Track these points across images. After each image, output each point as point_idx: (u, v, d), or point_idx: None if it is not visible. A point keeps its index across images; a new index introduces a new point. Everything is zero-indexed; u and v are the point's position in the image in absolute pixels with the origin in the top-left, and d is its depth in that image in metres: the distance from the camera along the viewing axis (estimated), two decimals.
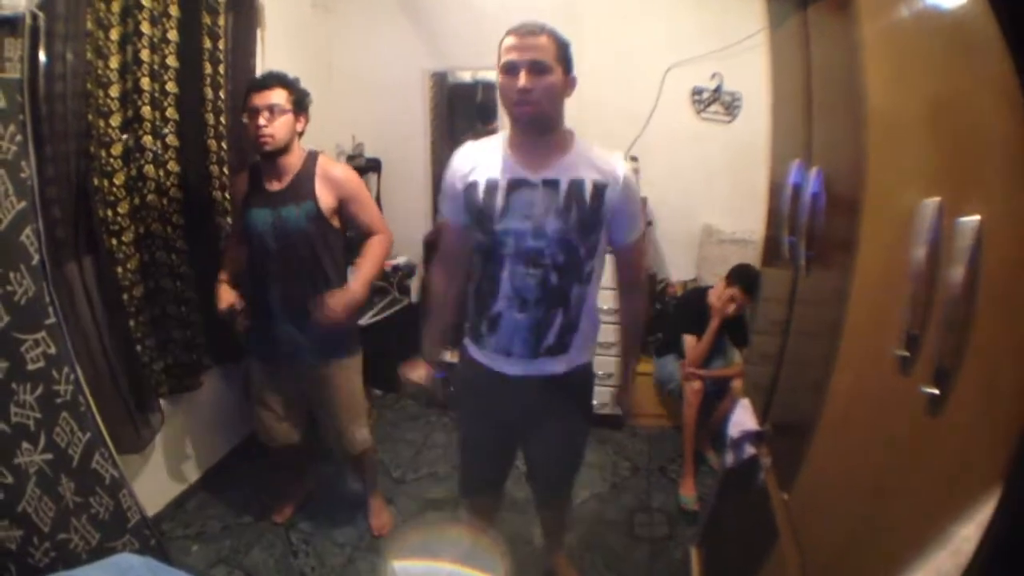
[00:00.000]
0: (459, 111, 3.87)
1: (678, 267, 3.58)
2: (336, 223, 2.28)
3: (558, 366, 1.79)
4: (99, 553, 1.78)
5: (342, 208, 2.25)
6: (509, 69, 1.58)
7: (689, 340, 3.04)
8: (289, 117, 2.17)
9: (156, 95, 2.33)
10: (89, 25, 2.07)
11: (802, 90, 2.14)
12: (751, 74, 2.82)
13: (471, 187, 1.71)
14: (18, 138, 1.64)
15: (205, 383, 2.74)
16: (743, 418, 2.37)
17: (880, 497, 1.20)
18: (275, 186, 2.22)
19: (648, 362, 3.37)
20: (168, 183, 2.44)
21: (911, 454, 1.09)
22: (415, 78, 3.63)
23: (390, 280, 3.53)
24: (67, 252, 2.12)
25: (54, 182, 2.04)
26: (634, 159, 3.32)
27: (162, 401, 2.51)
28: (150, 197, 2.36)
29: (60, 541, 1.71)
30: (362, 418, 2.49)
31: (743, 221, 3.08)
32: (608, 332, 3.17)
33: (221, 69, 2.60)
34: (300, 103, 2.22)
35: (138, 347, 2.38)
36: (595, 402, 3.21)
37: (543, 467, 2.08)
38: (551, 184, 1.65)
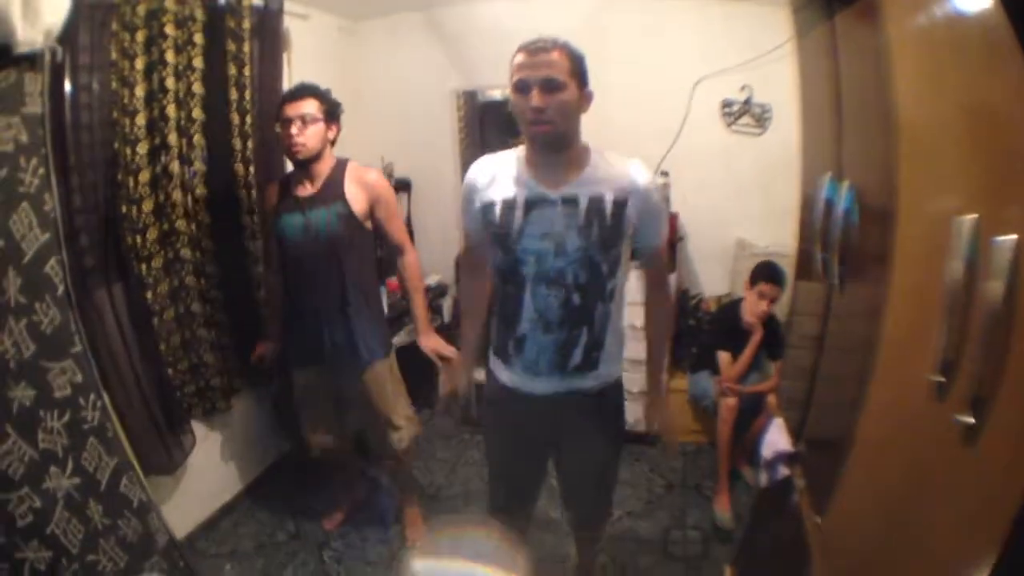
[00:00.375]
0: (490, 128, 3.87)
1: (711, 282, 3.50)
2: (368, 225, 2.31)
3: (587, 382, 1.74)
4: (127, 575, 1.81)
5: (372, 212, 2.29)
6: (521, 88, 1.54)
7: (724, 357, 2.96)
8: (321, 126, 2.23)
9: (182, 122, 2.37)
10: (114, 55, 2.12)
11: (831, 100, 2.08)
12: (781, 85, 2.74)
13: (488, 207, 1.67)
14: (40, 171, 1.66)
15: (237, 404, 2.77)
16: (777, 438, 2.30)
17: (908, 528, 1.14)
18: (305, 191, 2.27)
19: (682, 378, 3.31)
20: (196, 208, 2.48)
21: (942, 488, 1.04)
22: (443, 98, 3.65)
23: None
24: (96, 279, 2.18)
25: (81, 211, 2.10)
26: (664, 174, 3.28)
27: (195, 423, 2.54)
28: (178, 223, 2.40)
29: (89, 563, 1.72)
30: (408, 414, 2.51)
31: (776, 234, 2.98)
32: (642, 349, 3.12)
33: (247, 95, 2.63)
34: (331, 112, 2.28)
35: (169, 371, 2.42)
36: (630, 419, 3.21)
37: (578, 487, 2.01)
38: (570, 201, 1.60)
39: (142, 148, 2.24)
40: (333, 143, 2.30)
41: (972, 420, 0.93)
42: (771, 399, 2.82)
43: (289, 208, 2.27)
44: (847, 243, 1.72)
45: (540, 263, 1.63)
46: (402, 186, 3.74)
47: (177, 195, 2.38)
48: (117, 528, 1.82)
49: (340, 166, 2.29)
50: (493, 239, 1.68)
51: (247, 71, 2.62)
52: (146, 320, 2.32)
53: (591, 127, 3.21)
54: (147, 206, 2.28)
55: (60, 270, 1.73)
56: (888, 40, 1.43)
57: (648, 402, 2.04)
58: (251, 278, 2.76)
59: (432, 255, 3.55)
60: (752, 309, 2.91)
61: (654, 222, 1.69)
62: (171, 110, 2.31)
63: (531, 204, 1.62)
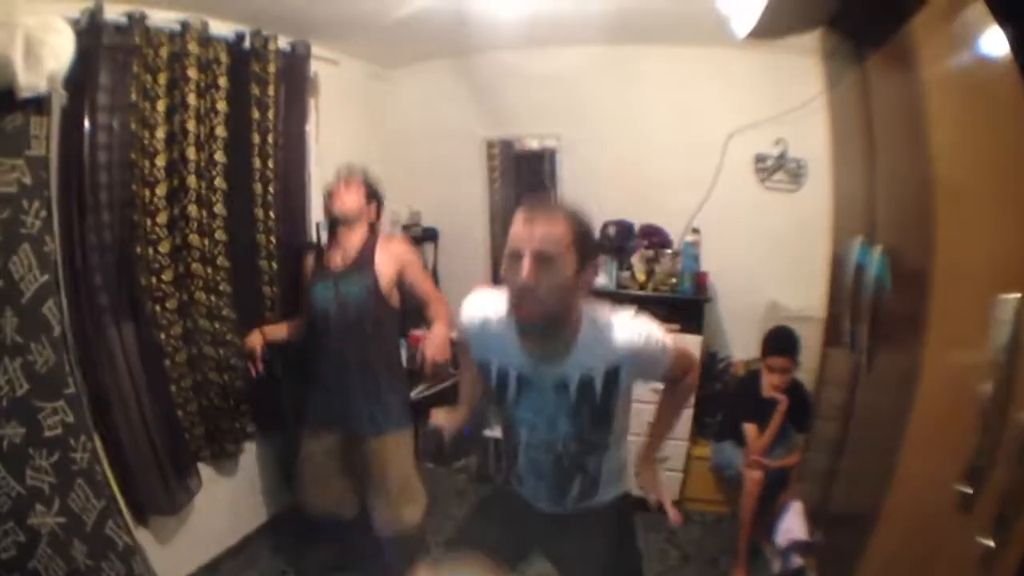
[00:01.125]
0: (524, 179, 3.81)
1: (741, 345, 3.34)
2: (393, 301, 2.36)
3: (591, 504, 1.66)
4: None
5: (400, 278, 2.33)
6: (512, 257, 1.39)
7: (750, 429, 2.81)
8: (362, 197, 2.34)
9: (201, 165, 2.39)
10: (134, 97, 2.15)
11: (864, 154, 1.98)
12: (817, 139, 2.61)
13: (484, 365, 1.61)
14: (43, 213, 1.70)
15: (247, 450, 2.75)
16: (793, 525, 2.15)
17: None
18: (337, 263, 2.33)
19: (705, 446, 3.17)
20: (215, 251, 2.50)
21: None
22: (474, 146, 3.63)
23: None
24: (108, 318, 2.19)
25: (96, 250, 2.13)
26: (695, 231, 3.20)
27: (203, 465, 2.53)
28: (194, 266, 2.41)
29: None
30: (413, 495, 2.45)
31: (811, 296, 2.73)
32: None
33: (270, 138, 2.66)
34: (373, 194, 2.39)
35: (179, 412, 2.41)
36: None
37: None
38: (561, 387, 1.50)
39: (161, 190, 2.26)
40: (371, 226, 2.38)
41: (992, 544, 0.87)
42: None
43: (322, 279, 2.34)
44: (878, 310, 1.62)
45: (532, 433, 1.58)
46: (429, 235, 3.73)
47: (194, 238, 2.40)
48: (100, 570, 1.84)
49: (372, 238, 2.35)
50: (490, 394, 1.66)
51: (271, 115, 2.65)
52: (157, 360, 2.32)
53: (626, 179, 3.22)
54: (164, 247, 2.30)
55: (57, 312, 1.77)
56: (922, 86, 1.34)
57: (640, 467, 1.83)
58: (266, 323, 2.73)
59: (459, 305, 3.41)
60: (766, 383, 2.79)
61: (654, 364, 1.56)
62: (191, 152, 2.34)
63: (522, 384, 1.54)
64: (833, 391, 2.29)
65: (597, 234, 3.22)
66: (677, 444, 3.09)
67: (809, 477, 2.50)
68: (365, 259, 2.30)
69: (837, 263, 2.45)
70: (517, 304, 1.40)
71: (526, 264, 1.35)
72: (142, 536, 2.33)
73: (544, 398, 1.52)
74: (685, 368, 1.70)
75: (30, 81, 1.55)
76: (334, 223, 2.34)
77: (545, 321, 1.41)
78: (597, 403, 1.51)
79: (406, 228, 3.64)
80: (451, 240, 3.79)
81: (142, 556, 1.93)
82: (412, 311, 2.48)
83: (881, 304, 1.61)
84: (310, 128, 2.92)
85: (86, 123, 2.02)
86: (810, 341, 2.72)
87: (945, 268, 1.23)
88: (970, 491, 0.95)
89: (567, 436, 1.55)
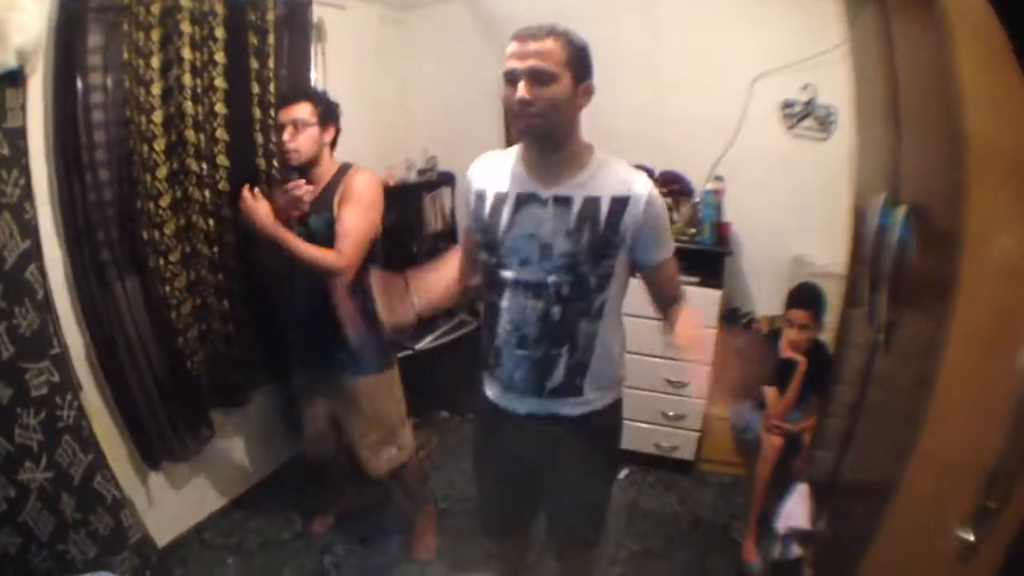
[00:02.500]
0: None
1: (765, 300, 3.20)
2: None
3: (569, 408, 1.61)
4: (95, 564, 1.88)
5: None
6: (509, 78, 1.43)
7: (770, 392, 2.71)
8: (314, 130, 2.16)
9: (200, 118, 2.36)
10: (126, 55, 2.12)
11: (887, 99, 1.81)
12: (849, 86, 2.43)
13: (479, 198, 1.59)
14: (21, 181, 1.72)
15: (256, 399, 2.78)
16: (796, 510, 2.06)
17: None
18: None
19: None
20: (219, 202, 2.48)
21: None
22: (490, 91, 3.47)
23: (459, 302, 3.39)
24: (112, 273, 2.22)
25: (97, 207, 2.14)
26: (718, 178, 3.03)
27: (213, 414, 2.58)
28: (195, 218, 2.40)
29: (58, 551, 1.81)
30: (392, 436, 2.40)
31: (837, 252, 2.57)
32: (681, 372, 2.92)
33: (271, 88, 2.60)
34: (327, 115, 2.20)
35: (187, 363, 2.46)
36: (665, 444, 3.03)
37: (558, 517, 1.86)
38: (562, 201, 1.49)
39: (159, 145, 2.24)
40: (333, 145, 2.24)
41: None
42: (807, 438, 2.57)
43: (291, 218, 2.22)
44: (901, 275, 1.49)
45: (523, 267, 1.51)
46: (445, 179, 3.67)
47: (194, 191, 2.39)
48: (88, 522, 1.90)
49: (341, 172, 2.22)
50: (480, 237, 1.59)
51: (271, 63, 2.58)
52: (162, 312, 2.34)
53: (646, 123, 2.99)
54: (164, 201, 2.29)
55: (40, 275, 1.80)
56: (947, 28, 1.20)
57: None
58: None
59: None
60: (785, 338, 2.65)
61: (658, 233, 1.54)
62: (188, 107, 2.29)
63: (521, 201, 1.52)
64: (854, 354, 2.17)
65: None
66: (694, 402, 3.01)
67: (826, 443, 2.40)
68: (327, 195, 2.19)
69: (859, 218, 2.30)
70: (517, 116, 1.44)
71: (522, 84, 1.40)
72: (155, 482, 2.46)
73: (543, 213, 1.50)
74: (672, 284, 1.65)
75: None
76: (300, 170, 2.20)
77: (545, 132, 1.46)
78: (600, 227, 1.49)
79: (422, 172, 3.58)
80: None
81: (131, 509, 1.99)
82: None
83: (904, 268, 1.48)
84: (315, 75, 2.85)
85: (78, 84, 2.00)
86: (834, 299, 2.58)
87: (977, 229, 1.12)
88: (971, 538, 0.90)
89: (562, 264, 1.49)
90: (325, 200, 2.18)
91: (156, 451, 2.40)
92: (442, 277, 1.80)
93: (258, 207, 2.08)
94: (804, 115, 2.96)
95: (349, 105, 2.98)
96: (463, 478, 3.08)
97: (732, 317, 3.17)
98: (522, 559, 2.18)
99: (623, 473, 3.11)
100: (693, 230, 3.00)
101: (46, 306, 1.80)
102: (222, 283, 2.55)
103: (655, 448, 3.12)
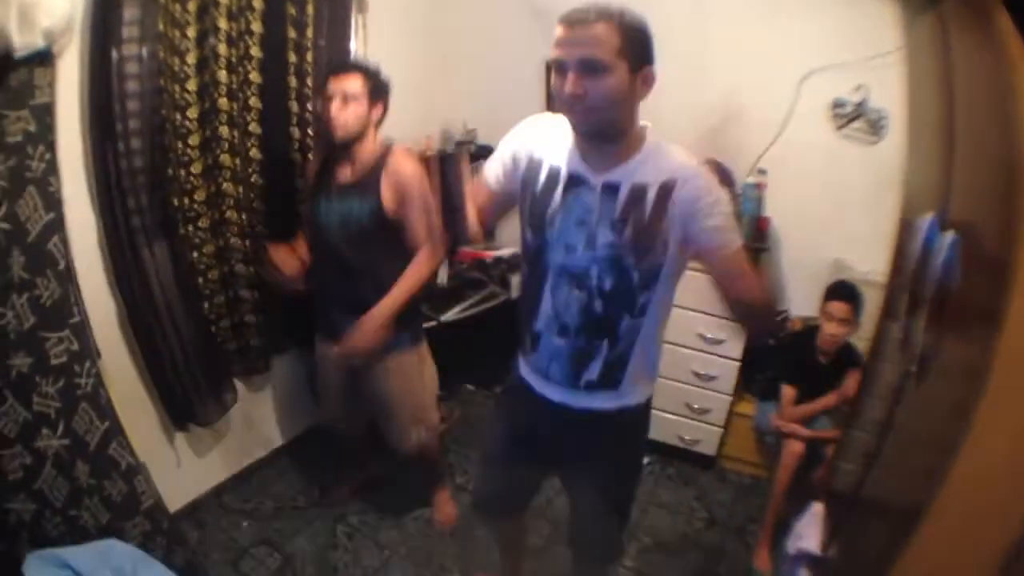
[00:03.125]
0: None
1: (800, 301, 3.07)
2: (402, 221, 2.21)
3: (605, 403, 1.56)
4: (108, 530, 1.93)
5: (398, 208, 2.15)
6: (558, 68, 1.32)
7: (787, 393, 2.65)
8: (363, 105, 2.11)
9: (234, 87, 2.34)
10: (162, 26, 2.11)
11: (941, 112, 1.72)
12: (902, 91, 2.28)
13: (532, 165, 1.50)
14: (47, 156, 1.74)
15: (280, 366, 2.82)
16: (808, 531, 2.00)
17: None
18: (346, 177, 2.20)
19: (750, 403, 3.01)
20: (249, 170, 2.49)
21: None
22: (533, 67, 3.37)
23: (490, 273, 3.36)
24: (141, 239, 2.24)
25: (128, 174, 2.16)
26: (762, 172, 2.92)
27: (237, 380, 2.63)
28: (225, 185, 2.41)
29: (71, 517, 1.86)
30: (419, 416, 2.42)
31: (880, 261, 2.45)
32: (710, 364, 2.91)
33: (309, 56, 2.58)
34: (377, 91, 2.16)
35: (212, 328, 2.50)
36: (688, 437, 2.99)
37: (583, 518, 1.84)
38: (610, 189, 1.40)
39: (192, 113, 2.24)
40: (379, 124, 2.20)
41: None
42: (831, 450, 2.49)
43: (327, 193, 2.22)
44: (943, 299, 1.44)
45: (568, 254, 1.45)
46: (483, 153, 3.54)
47: (225, 158, 2.38)
48: (102, 488, 1.95)
49: (384, 153, 2.18)
50: (527, 213, 1.51)
51: (309, 32, 2.56)
52: (190, 279, 2.37)
53: (690, 110, 2.88)
54: (196, 168, 2.29)
55: (63, 246, 1.83)
56: (1007, 45, 1.15)
57: None
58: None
59: (507, 225, 3.33)
60: (823, 332, 2.57)
61: (710, 218, 1.36)
62: (223, 76, 2.29)
63: (572, 183, 1.43)
64: (887, 369, 2.09)
65: None
66: (719, 397, 2.96)
67: (851, 456, 2.34)
68: (372, 180, 2.15)
69: (904, 231, 2.20)
70: (567, 114, 1.36)
71: (571, 76, 1.28)
72: (179, 446, 2.52)
73: (592, 199, 1.41)
74: (750, 278, 1.43)
75: (26, 41, 1.58)
76: (342, 145, 2.16)
77: (599, 127, 1.36)
78: (646, 216, 1.38)
79: (460, 144, 3.52)
80: None
81: (145, 475, 2.04)
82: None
83: (947, 293, 1.43)
84: (355, 45, 2.80)
85: (113, 55, 2.00)
86: (873, 308, 2.48)
87: None
88: None
89: (605, 256, 1.42)
90: (371, 185, 2.15)
91: (182, 414, 2.46)
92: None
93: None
94: (855, 116, 2.81)
95: (390, 73, 2.94)
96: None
97: None
98: (521, 541, 2.19)
99: (644, 461, 3.07)
100: None
101: (67, 276, 1.83)
102: (250, 249, 2.56)
103: (678, 440, 3.08)
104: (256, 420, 2.88)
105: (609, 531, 1.84)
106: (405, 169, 2.14)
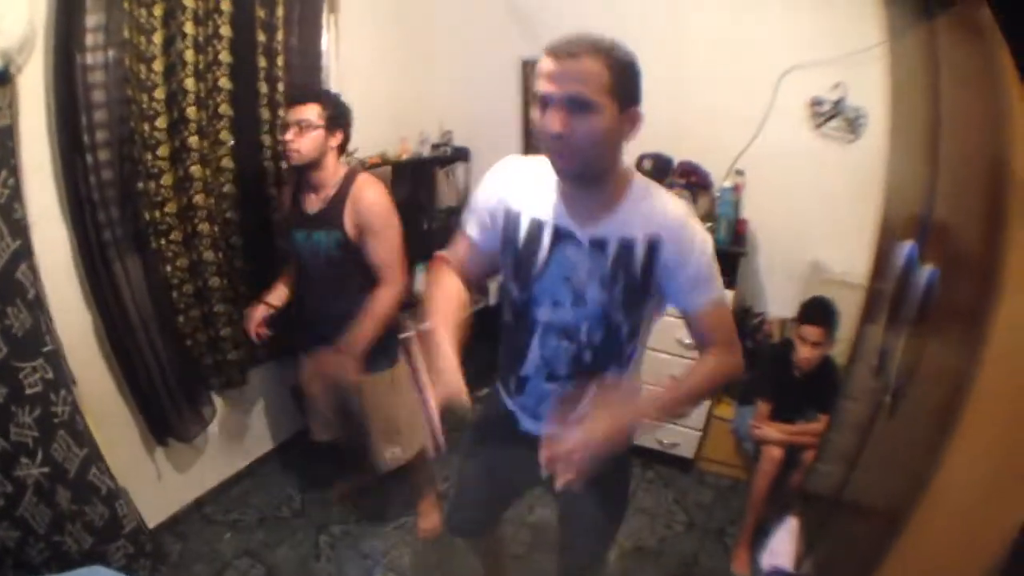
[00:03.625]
0: None
1: (777, 302, 3.11)
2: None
3: None
4: (91, 555, 1.93)
5: (360, 237, 2.15)
6: (541, 103, 1.23)
7: (762, 408, 2.68)
8: (319, 133, 2.11)
9: (202, 95, 2.28)
10: (127, 33, 2.04)
11: (926, 122, 1.73)
12: (882, 89, 2.26)
13: (511, 218, 1.43)
14: (11, 181, 1.69)
15: (258, 377, 2.79)
16: (781, 547, 2.04)
17: None
18: (311, 206, 2.22)
19: (728, 406, 3.03)
20: (221, 180, 2.44)
21: None
22: (509, 66, 3.36)
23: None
24: (113, 252, 2.18)
25: (97, 188, 2.10)
26: (739, 173, 2.93)
27: (214, 394, 2.59)
28: (196, 197, 2.34)
29: (54, 543, 1.86)
30: (392, 436, 2.41)
31: (857, 260, 2.53)
32: (684, 368, 2.88)
33: (279, 61, 2.51)
34: (335, 119, 2.14)
35: (188, 342, 2.44)
36: (667, 441, 3.01)
37: (569, 537, 1.82)
38: (598, 245, 1.34)
39: (161, 123, 2.17)
40: (342, 151, 2.20)
41: None
42: (808, 455, 2.53)
43: (297, 223, 2.24)
44: (925, 311, 1.47)
45: (556, 308, 1.41)
46: (460, 155, 3.58)
47: (196, 169, 2.31)
48: (84, 513, 1.94)
49: (347, 181, 2.18)
50: (510, 268, 1.45)
51: (279, 36, 2.49)
52: (164, 293, 2.32)
53: (667, 110, 2.80)
54: (166, 180, 2.22)
55: (31, 274, 1.78)
56: (1004, 67, 1.14)
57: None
58: (274, 250, 2.69)
59: None
60: (797, 353, 2.59)
61: (699, 271, 1.33)
62: (190, 83, 2.21)
63: (557, 237, 1.37)
64: (866, 371, 2.12)
65: (634, 164, 3.01)
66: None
67: (830, 458, 2.38)
68: (335, 210, 2.16)
69: (885, 234, 2.23)
70: (548, 154, 1.28)
71: (555, 113, 1.20)
72: (159, 460, 2.49)
73: (578, 256, 1.36)
74: (723, 334, 1.40)
75: None
76: (301, 171, 2.18)
77: (583, 170, 1.28)
78: (635, 275, 1.34)
79: (436, 147, 3.48)
80: (483, 161, 3.57)
81: (126, 499, 2.03)
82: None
83: (926, 320, 1.46)
84: (326, 47, 2.74)
85: (78, 63, 1.93)
86: (850, 307, 2.51)
87: (1016, 271, 1.10)
88: None
89: (595, 313, 1.38)
90: (333, 216, 2.15)
91: (162, 429, 2.42)
92: (455, 296, 1.51)
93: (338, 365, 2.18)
94: (832, 115, 2.81)
95: (363, 76, 2.88)
96: None
97: (744, 317, 3.09)
98: (500, 551, 2.20)
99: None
100: (709, 224, 2.88)
101: (38, 304, 1.79)
102: (223, 262, 2.50)
103: (657, 444, 3.10)
104: (236, 431, 2.85)
105: (593, 552, 1.84)
106: (365, 198, 2.15)
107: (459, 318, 1.44)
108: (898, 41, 1.92)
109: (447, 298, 1.46)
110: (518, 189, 1.44)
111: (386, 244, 2.16)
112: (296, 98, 2.17)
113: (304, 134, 2.09)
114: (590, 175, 1.30)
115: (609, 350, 1.43)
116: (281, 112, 2.56)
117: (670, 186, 2.94)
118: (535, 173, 1.41)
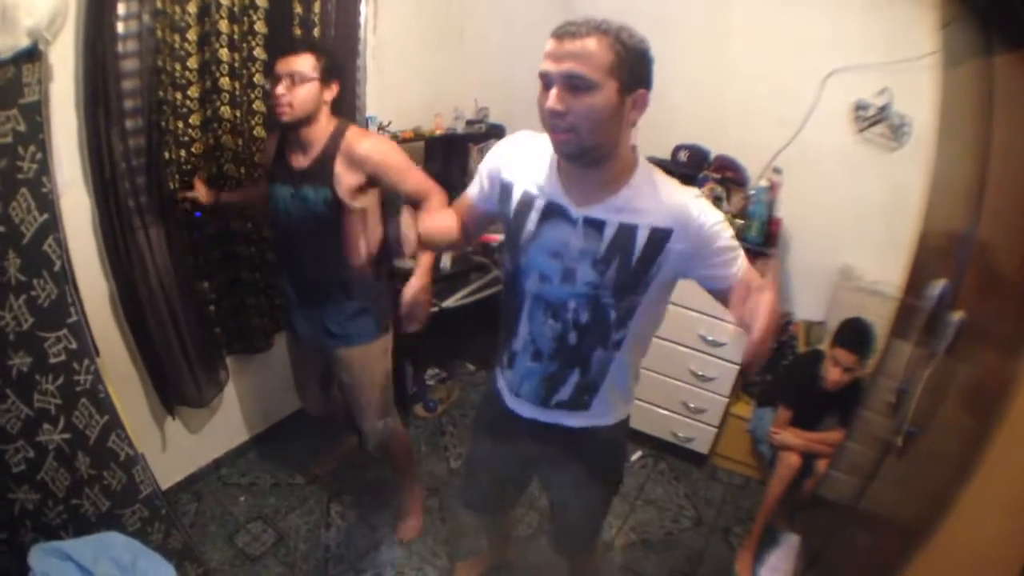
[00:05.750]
0: None
1: (805, 305, 3.05)
2: (358, 203, 1.90)
3: (576, 421, 1.56)
4: (108, 518, 1.98)
5: (373, 183, 1.99)
6: (543, 82, 1.23)
7: (783, 415, 2.63)
8: (314, 86, 1.95)
9: (235, 65, 2.27)
10: (160, 3, 2.02)
11: (977, 147, 1.66)
12: (928, 98, 2.19)
13: (505, 188, 1.45)
14: (39, 156, 1.69)
15: (277, 343, 2.79)
16: (781, 564, 2.03)
17: None
18: (299, 162, 2.04)
19: (747, 405, 3.01)
20: (251, 150, 2.43)
21: None
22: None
23: (495, 257, 3.29)
24: (137, 221, 2.18)
25: (124, 157, 2.09)
26: (777, 171, 2.84)
27: (234, 357, 2.63)
28: (227, 166, 2.37)
29: (73, 506, 1.91)
30: (379, 408, 2.34)
31: (890, 270, 2.42)
32: (709, 366, 2.90)
33: (316, 33, 2.48)
34: (330, 71, 1.99)
35: (212, 307, 2.48)
36: (682, 435, 3.01)
37: (559, 519, 1.91)
38: (593, 225, 1.33)
39: (193, 92, 2.18)
40: (334, 106, 2.04)
41: None
42: (821, 464, 2.50)
43: (281, 178, 2.09)
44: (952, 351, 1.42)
45: (542, 284, 1.41)
46: (494, 132, 3.49)
47: (227, 139, 2.33)
48: (102, 478, 1.98)
49: (338, 135, 2.02)
50: (504, 235, 1.48)
51: (316, 7, 2.45)
52: (185, 260, 2.34)
53: (707, 103, 2.90)
54: (197, 149, 2.25)
55: (58, 247, 1.80)
56: None
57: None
58: None
59: None
60: (826, 372, 2.53)
61: (713, 258, 1.32)
62: (223, 53, 2.21)
63: (549, 212, 1.36)
64: (889, 385, 2.09)
65: (668, 155, 2.95)
66: (716, 398, 2.95)
67: (846, 468, 2.36)
68: (325, 166, 1.99)
69: (923, 248, 2.16)
70: (549, 131, 1.26)
71: (554, 91, 1.19)
72: (173, 426, 2.53)
73: (569, 233, 1.35)
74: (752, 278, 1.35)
75: (7, 43, 1.54)
76: (291, 128, 2.01)
77: (580, 149, 1.25)
78: (632, 260, 1.33)
79: (471, 123, 3.42)
80: None
81: (144, 465, 2.06)
82: None
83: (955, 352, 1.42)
84: (363, 19, 2.68)
85: (109, 32, 1.92)
86: (878, 318, 2.46)
87: None
88: None
89: (583, 293, 1.37)
90: (323, 172, 2.01)
91: (175, 397, 2.45)
92: (445, 217, 1.66)
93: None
94: (876, 120, 2.71)
95: (399, 50, 2.83)
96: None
97: None
98: (508, 531, 2.24)
99: (636, 455, 3.13)
100: (741, 222, 2.81)
101: (64, 276, 1.80)
102: (251, 231, 2.53)
103: (672, 436, 3.10)
104: (257, 395, 2.89)
105: (581, 535, 1.88)
106: (362, 147, 2.00)
107: (442, 237, 1.60)
108: (952, 68, 1.83)
109: (440, 215, 1.65)
110: (518, 162, 1.45)
111: (408, 173, 2.04)
112: (288, 48, 2.01)
113: (297, 87, 1.93)
114: (590, 155, 1.27)
115: (595, 332, 1.42)
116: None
117: (704, 180, 2.89)
118: (539, 148, 1.41)
